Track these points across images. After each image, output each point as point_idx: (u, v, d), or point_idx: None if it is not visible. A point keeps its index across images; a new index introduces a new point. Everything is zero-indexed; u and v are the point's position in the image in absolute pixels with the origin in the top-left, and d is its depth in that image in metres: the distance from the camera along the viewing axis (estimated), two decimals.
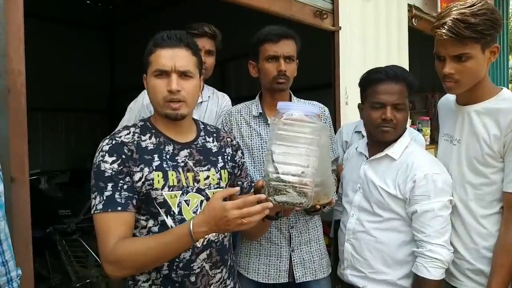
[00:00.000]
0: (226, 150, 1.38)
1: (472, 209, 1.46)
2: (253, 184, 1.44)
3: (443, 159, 1.56)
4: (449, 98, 1.64)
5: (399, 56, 3.28)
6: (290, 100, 1.79)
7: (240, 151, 1.44)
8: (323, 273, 1.75)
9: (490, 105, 1.42)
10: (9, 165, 1.42)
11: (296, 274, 1.70)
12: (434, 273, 1.38)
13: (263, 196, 1.07)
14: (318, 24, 2.73)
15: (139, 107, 2.09)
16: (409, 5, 3.44)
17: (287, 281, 1.70)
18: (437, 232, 1.40)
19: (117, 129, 2.10)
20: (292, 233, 1.72)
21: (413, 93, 1.55)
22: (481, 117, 1.43)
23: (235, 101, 2.18)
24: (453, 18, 1.32)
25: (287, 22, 2.37)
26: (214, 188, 1.29)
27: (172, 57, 1.19)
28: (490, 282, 1.39)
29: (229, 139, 1.42)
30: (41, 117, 6.71)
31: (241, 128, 1.77)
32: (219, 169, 1.32)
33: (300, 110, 1.12)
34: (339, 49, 2.82)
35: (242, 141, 1.74)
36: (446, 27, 1.33)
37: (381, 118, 1.48)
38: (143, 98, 2.09)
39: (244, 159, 1.46)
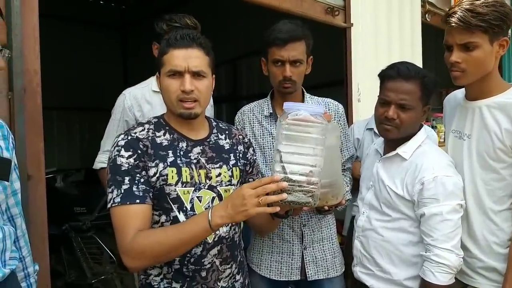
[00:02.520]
0: (238, 147, 1.39)
1: (484, 204, 1.44)
2: None
3: (453, 155, 1.54)
4: (457, 95, 1.63)
5: (412, 52, 3.24)
6: (303, 98, 1.79)
7: (252, 148, 1.45)
8: (336, 272, 1.75)
9: (501, 100, 1.41)
10: (26, 163, 1.46)
11: (308, 272, 1.70)
12: (440, 278, 1.35)
13: (277, 176, 1.07)
14: (330, 21, 2.71)
15: (121, 111, 2.02)
16: (423, 0, 3.38)
17: (299, 278, 1.71)
18: (445, 236, 1.36)
19: (103, 140, 2.07)
20: (304, 231, 1.72)
21: (431, 94, 1.49)
22: (492, 112, 1.42)
23: (246, 99, 2.17)
24: (463, 8, 1.36)
25: (300, 18, 2.36)
26: (226, 185, 1.30)
27: (185, 58, 1.20)
28: (506, 277, 1.37)
29: (240, 137, 1.43)
30: (56, 116, 6.81)
31: (253, 127, 1.77)
32: (231, 166, 1.33)
33: (306, 110, 1.12)
34: (351, 46, 2.79)
35: (255, 140, 1.74)
36: (455, 16, 1.37)
37: (384, 116, 1.46)
38: (123, 101, 2.01)
39: (255, 156, 1.47)
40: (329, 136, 1.39)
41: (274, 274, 1.72)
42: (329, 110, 1.78)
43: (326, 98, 1.84)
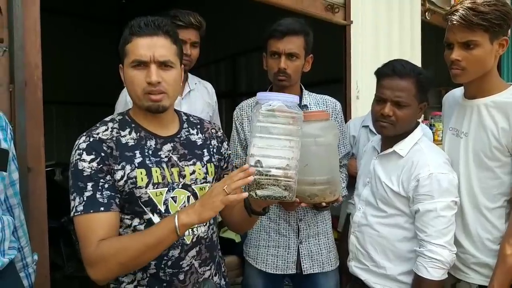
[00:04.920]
0: (212, 142, 1.30)
1: (478, 201, 1.46)
2: None
3: (450, 152, 1.55)
4: (455, 93, 1.65)
5: (411, 50, 3.25)
6: (301, 95, 1.80)
7: (226, 142, 1.36)
8: (331, 266, 1.78)
9: (499, 99, 1.43)
10: (26, 156, 1.47)
11: (303, 265, 1.72)
12: (433, 274, 1.37)
13: (246, 165, 1.03)
14: (330, 18, 2.72)
15: (123, 107, 1.97)
16: None
17: (295, 272, 1.73)
18: (438, 232, 1.38)
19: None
20: (300, 225, 1.74)
21: (426, 91, 1.51)
22: (490, 110, 1.43)
23: (246, 95, 2.18)
24: (465, 6, 1.37)
25: (299, 15, 2.37)
26: (201, 183, 1.22)
27: (150, 46, 1.10)
28: (495, 272, 1.39)
29: (213, 131, 1.33)
30: (56, 110, 6.83)
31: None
32: (205, 163, 1.25)
33: (280, 100, 1.06)
34: (350, 43, 2.80)
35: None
36: (457, 14, 1.38)
37: (380, 113, 1.47)
38: (126, 95, 1.95)
39: (230, 150, 1.39)
40: (327, 133, 1.41)
41: (270, 267, 1.74)
42: (326, 107, 1.80)
43: (324, 95, 1.85)
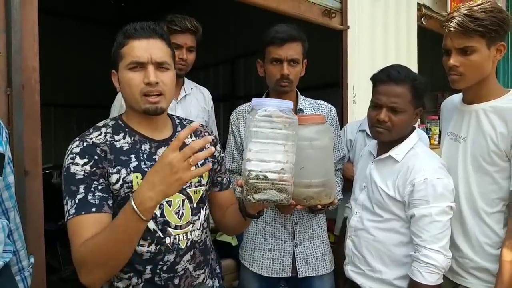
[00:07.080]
0: (205, 145, 1.30)
1: (477, 205, 1.47)
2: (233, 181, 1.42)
3: (447, 157, 1.56)
4: (454, 98, 1.66)
5: (408, 55, 3.27)
6: (297, 99, 1.81)
7: (219, 145, 1.37)
8: (326, 269, 1.78)
9: (498, 104, 1.44)
10: (23, 159, 1.47)
11: (299, 269, 1.73)
12: (428, 279, 1.37)
13: (209, 137, 1.00)
14: (326, 23, 2.74)
15: (118, 110, 1.98)
16: (419, 4, 3.41)
17: (290, 275, 1.74)
18: (433, 237, 1.39)
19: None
20: (295, 229, 1.75)
21: (422, 96, 1.52)
22: (489, 115, 1.45)
23: (244, 99, 2.19)
24: (462, 13, 1.40)
25: (297, 20, 2.39)
26: (195, 187, 1.22)
27: (147, 48, 1.11)
28: (497, 280, 1.40)
29: (206, 134, 1.34)
30: (54, 112, 6.83)
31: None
32: (199, 166, 1.22)
33: (274, 106, 1.08)
34: (347, 48, 2.82)
35: None
36: (454, 21, 1.40)
37: (376, 118, 1.49)
38: (121, 99, 1.92)
39: (223, 153, 1.40)
40: (323, 137, 1.42)
41: (265, 271, 1.74)
42: (322, 112, 1.82)
43: (319, 100, 1.87)
